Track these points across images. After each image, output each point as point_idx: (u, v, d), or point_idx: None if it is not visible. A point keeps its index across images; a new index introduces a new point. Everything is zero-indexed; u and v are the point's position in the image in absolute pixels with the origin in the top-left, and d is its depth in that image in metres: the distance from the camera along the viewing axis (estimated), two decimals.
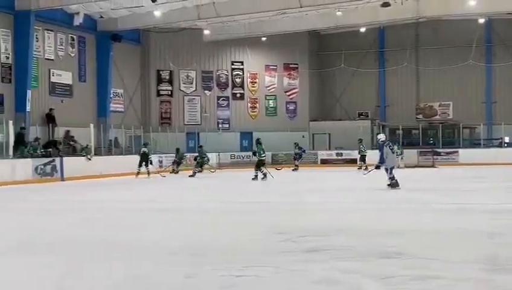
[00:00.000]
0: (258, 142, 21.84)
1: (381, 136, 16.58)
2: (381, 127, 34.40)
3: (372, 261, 5.28)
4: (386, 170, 14.95)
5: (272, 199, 14.50)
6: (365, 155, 27.33)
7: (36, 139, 21.34)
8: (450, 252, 5.92)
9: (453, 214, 10.00)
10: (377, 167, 15.91)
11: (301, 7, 25.99)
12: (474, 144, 33.30)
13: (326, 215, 10.26)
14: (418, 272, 4.57)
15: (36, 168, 19.86)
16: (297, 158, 28.66)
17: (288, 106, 35.50)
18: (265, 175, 20.03)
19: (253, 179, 19.85)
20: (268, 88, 35.43)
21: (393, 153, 15.71)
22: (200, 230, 8.38)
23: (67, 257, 6.01)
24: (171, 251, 6.37)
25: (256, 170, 20.25)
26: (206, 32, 30.70)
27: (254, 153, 21.38)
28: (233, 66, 35.12)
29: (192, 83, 33.54)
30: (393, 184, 15.19)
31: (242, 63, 35.16)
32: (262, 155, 20.44)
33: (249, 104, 35.04)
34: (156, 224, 9.41)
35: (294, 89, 35.74)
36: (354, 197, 14.42)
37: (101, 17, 26.25)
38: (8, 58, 21.75)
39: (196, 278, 4.62)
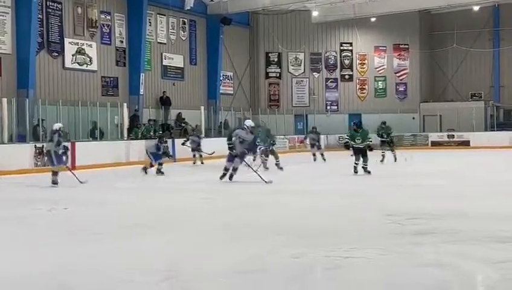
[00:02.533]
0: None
1: (250, 122, 13.47)
2: (494, 108, 31.77)
3: (483, 246, 5.21)
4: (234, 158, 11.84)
5: (379, 181, 13.02)
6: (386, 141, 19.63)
7: (149, 120, 20.49)
8: None
9: None
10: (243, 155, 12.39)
11: None
12: None
13: (436, 198, 9.58)
14: None
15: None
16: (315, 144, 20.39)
17: (398, 87, 32.92)
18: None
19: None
20: (377, 69, 32.99)
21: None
22: (308, 213, 8.01)
23: (187, 235, 6.12)
24: (279, 231, 6.23)
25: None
26: (315, 13, 28.87)
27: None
28: (341, 48, 33.04)
29: (300, 65, 31.93)
30: (230, 175, 12.19)
31: (351, 44, 32.97)
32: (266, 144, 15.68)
33: (357, 86, 32.88)
34: (267, 206, 8.81)
35: (404, 70, 32.95)
36: (465, 179, 13.19)
37: (211, 0, 24.85)
38: (122, 42, 21.06)
39: (301, 259, 4.58)
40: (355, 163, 13.41)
